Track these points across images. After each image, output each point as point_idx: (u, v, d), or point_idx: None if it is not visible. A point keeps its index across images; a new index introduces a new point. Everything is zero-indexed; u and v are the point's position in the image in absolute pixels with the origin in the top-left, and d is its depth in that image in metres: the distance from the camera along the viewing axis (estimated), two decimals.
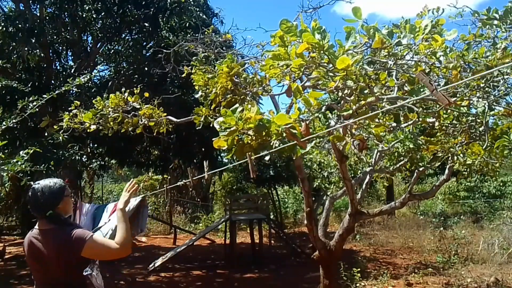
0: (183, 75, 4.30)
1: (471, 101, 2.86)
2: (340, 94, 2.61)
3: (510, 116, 3.20)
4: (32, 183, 2.49)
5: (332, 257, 4.94)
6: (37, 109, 3.39)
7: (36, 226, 2.29)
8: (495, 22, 2.77)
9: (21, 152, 3.09)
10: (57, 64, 10.04)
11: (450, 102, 1.72)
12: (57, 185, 2.32)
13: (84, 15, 9.18)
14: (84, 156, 8.92)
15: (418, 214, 14.45)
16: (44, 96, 3.31)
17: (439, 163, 5.55)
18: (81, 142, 8.09)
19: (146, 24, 9.06)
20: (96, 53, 10.11)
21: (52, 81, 8.99)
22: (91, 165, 11.64)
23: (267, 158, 2.60)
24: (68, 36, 9.64)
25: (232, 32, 9.67)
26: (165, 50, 5.65)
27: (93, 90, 9.33)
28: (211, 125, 3.07)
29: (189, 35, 7.08)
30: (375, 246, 10.65)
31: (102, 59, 10.92)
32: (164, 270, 8.41)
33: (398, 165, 5.55)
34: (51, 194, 2.26)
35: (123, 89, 4.16)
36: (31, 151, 3.09)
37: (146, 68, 9.20)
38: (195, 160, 10.60)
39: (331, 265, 5.02)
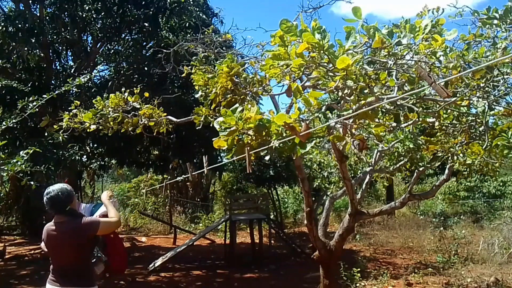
0: (183, 75, 4.30)
1: (471, 101, 2.86)
2: (340, 94, 2.60)
3: (510, 116, 3.20)
4: (32, 183, 2.69)
5: (332, 257, 4.94)
6: (37, 109, 3.39)
7: (53, 220, 2.94)
8: (495, 22, 2.77)
9: (21, 152, 3.09)
10: (57, 64, 10.03)
11: (448, 94, 1.73)
12: (69, 188, 3.00)
13: (84, 15, 9.17)
14: (84, 156, 8.91)
15: (418, 214, 14.46)
16: (44, 96, 3.31)
17: (439, 163, 5.55)
18: (81, 142, 8.08)
19: (146, 24, 9.05)
20: (96, 53, 10.11)
21: (52, 81, 8.98)
22: (91, 165, 11.63)
23: (267, 158, 2.60)
24: (68, 36, 9.63)
25: (232, 32, 9.69)
26: (165, 50, 5.65)
27: (93, 90, 9.32)
28: (211, 125, 3.07)
29: (189, 35, 7.07)
30: (375, 246, 10.65)
31: (102, 59, 10.90)
32: (164, 270, 8.41)
33: (398, 165, 5.54)
34: (68, 195, 2.93)
35: (123, 89, 4.15)
36: (31, 151, 3.09)
37: (146, 68, 9.19)
38: (195, 160, 10.60)
39: (331, 265, 5.02)
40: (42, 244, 3.17)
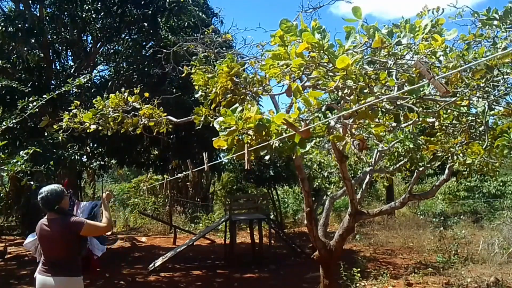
0: (183, 75, 4.30)
1: (471, 101, 2.86)
2: (340, 94, 2.60)
3: (510, 116, 3.20)
4: (32, 183, 2.74)
5: (332, 257, 4.94)
6: (37, 109, 3.39)
7: (46, 217, 3.30)
8: (495, 22, 2.77)
9: (21, 152, 3.11)
10: (57, 64, 10.04)
11: (447, 90, 1.73)
12: (59, 188, 3.34)
13: (84, 15, 9.17)
14: (84, 156, 8.91)
15: (418, 214, 14.45)
16: (44, 96, 3.31)
17: (439, 163, 5.55)
18: (81, 142, 8.08)
19: (146, 24, 9.06)
20: (96, 53, 10.11)
21: (52, 81, 8.99)
22: (91, 165, 11.63)
23: (267, 158, 2.60)
24: (68, 36, 9.63)
25: (232, 32, 9.69)
26: (164, 50, 5.65)
27: (93, 90, 9.33)
28: (211, 125, 3.07)
29: (188, 35, 7.07)
30: (375, 246, 10.64)
31: (102, 59, 10.91)
32: (164, 270, 8.41)
33: (398, 165, 5.54)
34: (57, 195, 3.27)
35: (123, 89, 4.15)
36: (31, 151, 3.11)
37: (146, 68, 9.20)
38: (194, 161, 10.61)
39: (331, 265, 5.02)
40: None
